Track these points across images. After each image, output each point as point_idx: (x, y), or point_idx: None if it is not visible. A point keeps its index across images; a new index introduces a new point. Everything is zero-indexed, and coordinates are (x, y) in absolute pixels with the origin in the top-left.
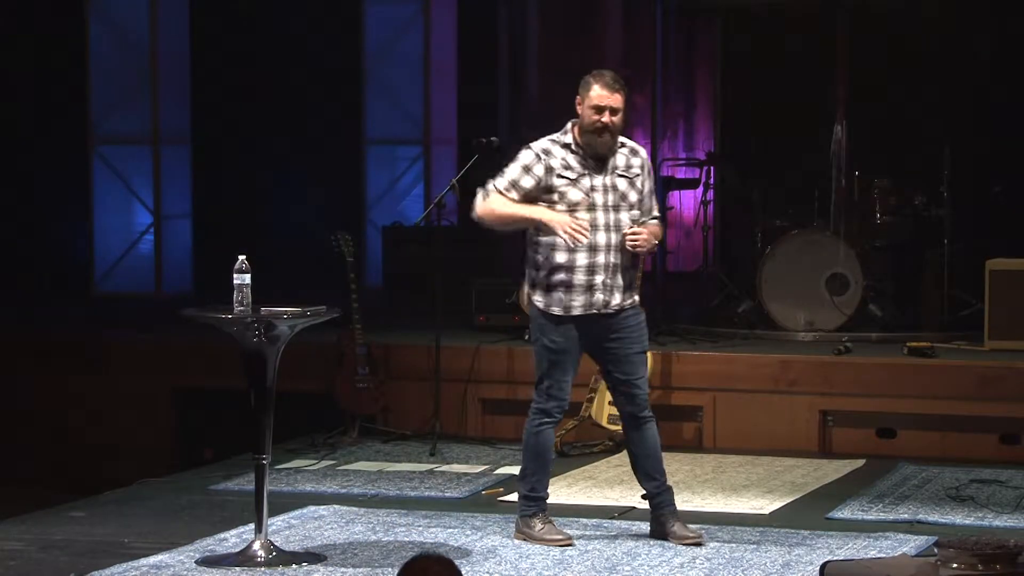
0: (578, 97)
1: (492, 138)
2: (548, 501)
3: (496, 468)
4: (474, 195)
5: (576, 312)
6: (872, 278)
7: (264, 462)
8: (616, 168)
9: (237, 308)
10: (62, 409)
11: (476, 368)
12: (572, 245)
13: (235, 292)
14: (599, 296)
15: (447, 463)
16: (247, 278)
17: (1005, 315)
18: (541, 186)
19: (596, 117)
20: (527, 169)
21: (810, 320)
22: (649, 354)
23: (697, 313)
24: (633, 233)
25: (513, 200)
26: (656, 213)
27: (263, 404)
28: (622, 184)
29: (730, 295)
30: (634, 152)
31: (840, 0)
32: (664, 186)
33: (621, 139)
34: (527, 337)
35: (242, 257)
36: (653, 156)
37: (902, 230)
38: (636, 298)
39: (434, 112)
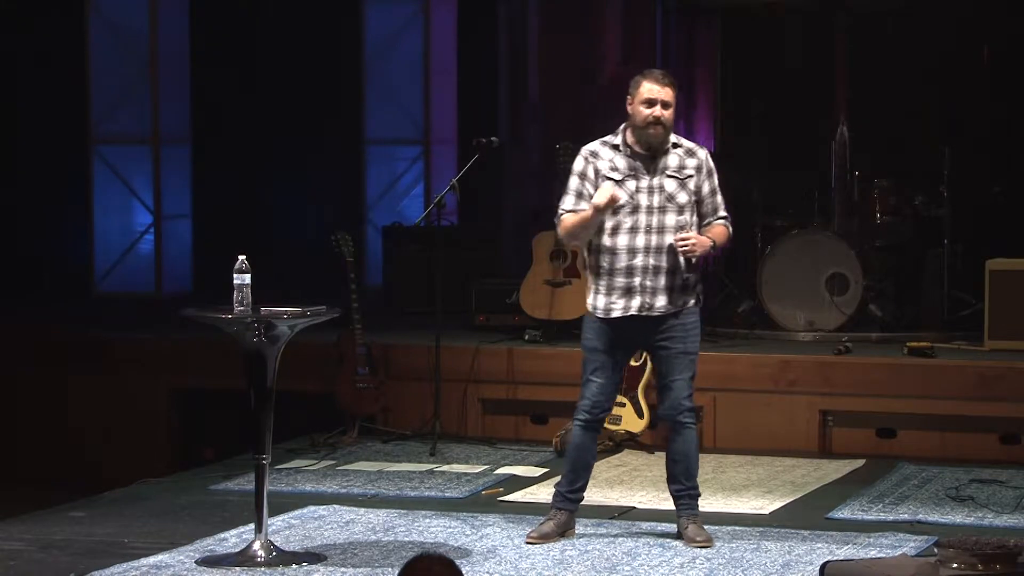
0: (628, 97)
1: (492, 138)
2: (550, 501)
3: (496, 468)
4: (474, 195)
5: (615, 315)
6: (872, 278)
7: (264, 462)
8: (667, 169)
9: (237, 308)
10: (62, 409)
11: (476, 368)
12: (608, 205)
13: (235, 292)
14: (639, 299)
15: (447, 463)
16: (247, 278)
17: (1005, 315)
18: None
19: (648, 111)
20: (582, 176)
21: (810, 320)
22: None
23: None
24: (682, 239)
25: (583, 210)
26: (722, 213)
27: (263, 404)
28: (671, 185)
29: (730, 295)
30: (690, 153)
31: (840, 0)
32: None
33: (677, 139)
34: (526, 337)
35: (242, 257)
36: None
37: (902, 230)
38: (691, 300)
39: (434, 112)
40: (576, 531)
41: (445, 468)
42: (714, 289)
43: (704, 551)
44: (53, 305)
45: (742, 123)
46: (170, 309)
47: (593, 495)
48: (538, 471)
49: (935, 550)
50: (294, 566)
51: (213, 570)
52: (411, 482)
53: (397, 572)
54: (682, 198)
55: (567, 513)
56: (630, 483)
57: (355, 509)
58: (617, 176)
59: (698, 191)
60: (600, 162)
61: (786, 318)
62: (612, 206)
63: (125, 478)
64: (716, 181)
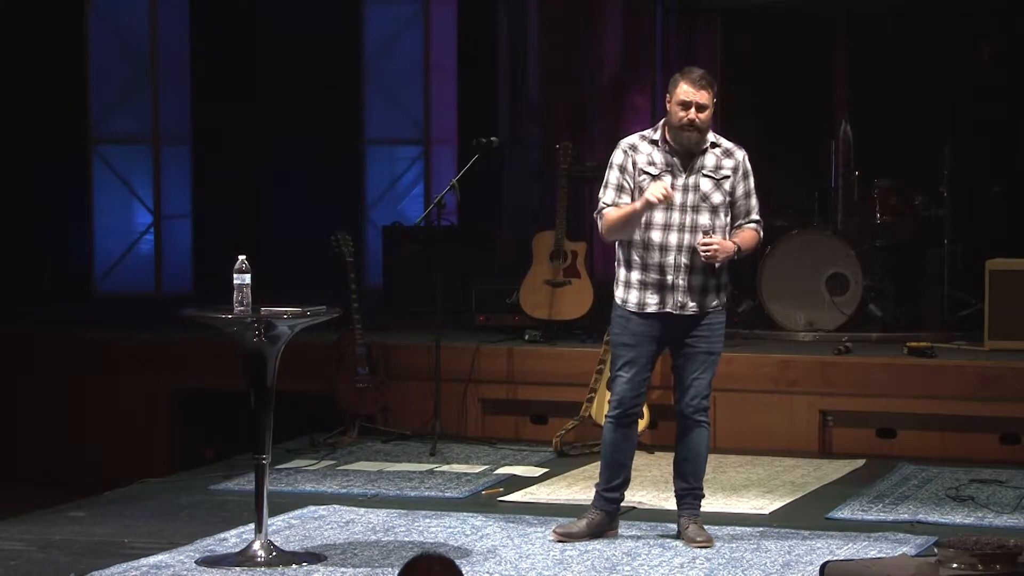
0: (667, 95)
1: (492, 138)
2: (550, 501)
3: (496, 468)
4: (474, 195)
5: (650, 310)
6: (872, 278)
7: (264, 462)
8: (703, 168)
9: (237, 308)
10: (62, 409)
11: (476, 368)
12: (662, 203)
13: (235, 292)
14: (675, 297)
15: (447, 463)
16: (247, 278)
17: (1005, 315)
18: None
19: (683, 114)
20: (621, 169)
21: (810, 320)
22: None
23: None
24: (705, 243)
25: (625, 203)
26: (755, 216)
27: (263, 404)
28: (706, 185)
29: (730, 295)
30: (728, 153)
31: (840, 0)
32: None
33: (716, 139)
34: (526, 337)
35: (242, 257)
36: None
37: (902, 230)
38: (718, 301)
39: (434, 112)
40: (619, 532)
41: (445, 468)
42: None
43: (704, 551)
44: (53, 305)
45: (742, 123)
46: (170, 309)
47: (593, 495)
48: (538, 471)
49: (935, 550)
50: (294, 566)
51: (213, 570)
52: (411, 482)
53: (397, 572)
54: (716, 198)
55: (603, 513)
56: (630, 483)
57: (355, 509)
58: (654, 171)
59: (732, 192)
60: (638, 156)
61: (786, 318)
62: (664, 203)
63: (125, 478)
64: (752, 184)
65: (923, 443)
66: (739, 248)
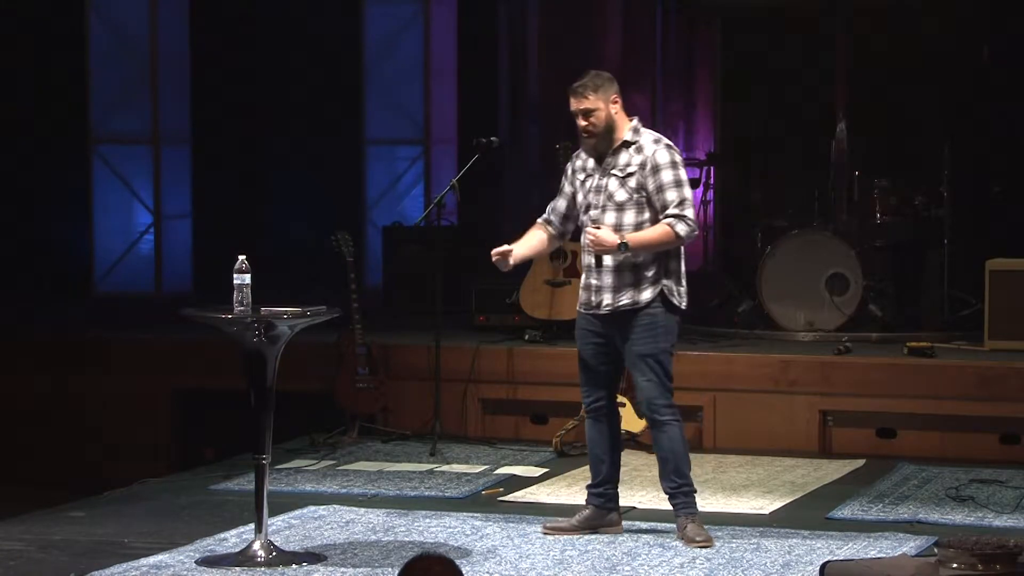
0: None
1: (492, 138)
2: (550, 501)
3: (496, 468)
4: (474, 195)
5: (580, 309)
6: (872, 278)
7: (264, 462)
8: (614, 167)
9: (237, 308)
10: (62, 409)
11: (476, 368)
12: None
13: (235, 292)
14: (589, 296)
15: (447, 463)
16: (247, 278)
17: (1005, 315)
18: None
19: (577, 124)
20: (564, 174)
21: (810, 320)
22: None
23: (697, 313)
24: (590, 233)
25: (560, 207)
26: (672, 211)
27: (263, 404)
28: (612, 184)
29: (730, 295)
30: (639, 149)
31: (840, 0)
32: None
33: (636, 136)
34: (526, 337)
35: (242, 257)
36: None
37: (902, 230)
38: (640, 298)
39: (434, 112)
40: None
41: (445, 468)
42: (714, 289)
43: (704, 551)
44: (53, 305)
45: (742, 123)
46: (170, 309)
47: None
48: (538, 471)
49: (935, 550)
50: (294, 566)
51: (213, 570)
52: (411, 482)
53: (397, 572)
54: (620, 196)
55: (593, 508)
56: (630, 483)
57: (355, 509)
58: (581, 176)
59: (643, 188)
60: (578, 162)
61: (786, 318)
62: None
63: (125, 478)
64: (667, 177)
65: (923, 443)
66: (624, 244)
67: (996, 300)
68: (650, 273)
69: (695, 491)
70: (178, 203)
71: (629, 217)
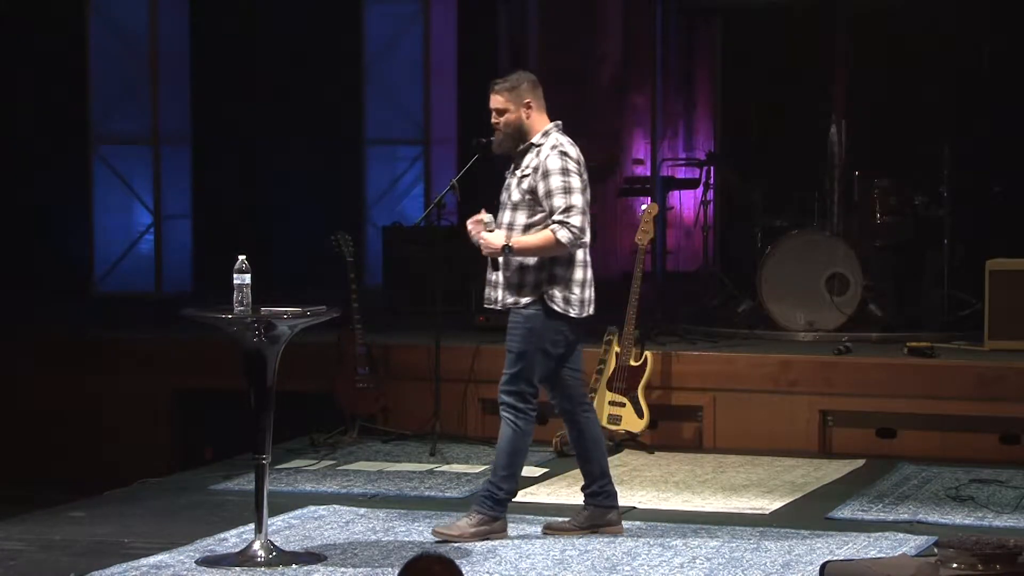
0: None
1: (492, 138)
2: (550, 501)
3: None
4: (474, 195)
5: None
6: (872, 278)
7: (264, 462)
8: (517, 168)
9: (237, 308)
10: (62, 409)
11: (476, 368)
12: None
13: (235, 292)
14: (487, 291)
15: (447, 463)
16: (247, 278)
17: (1005, 315)
18: None
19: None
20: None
21: (810, 320)
22: (649, 354)
23: (697, 313)
24: (480, 235)
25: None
26: (557, 217)
27: (263, 404)
28: (512, 184)
29: (730, 295)
30: (539, 152)
31: (840, 0)
32: (664, 186)
33: (544, 139)
34: None
35: (242, 257)
36: (653, 156)
37: (902, 230)
38: (520, 299)
39: (434, 112)
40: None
41: (445, 468)
42: (714, 289)
43: (703, 551)
44: (53, 305)
45: (742, 123)
46: (170, 309)
47: None
48: (538, 471)
49: (935, 550)
50: (294, 566)
51: (213, 570)
52: (411, 482)
53: (397, 572)
54: (515, 196)
55: (592, 508)
56: (630, 483)
57: (355, 509)
58: (508, 175)
59: (533, 191)
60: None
61: (786, 318)
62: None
63: (125, 478)
64: (554, 183)
65: (923, 443)
66: (507, 247)
67: (996, 300)
68: (531, 277)
69: (499, 493)
70: (178, 203)
71: (520, 218)
